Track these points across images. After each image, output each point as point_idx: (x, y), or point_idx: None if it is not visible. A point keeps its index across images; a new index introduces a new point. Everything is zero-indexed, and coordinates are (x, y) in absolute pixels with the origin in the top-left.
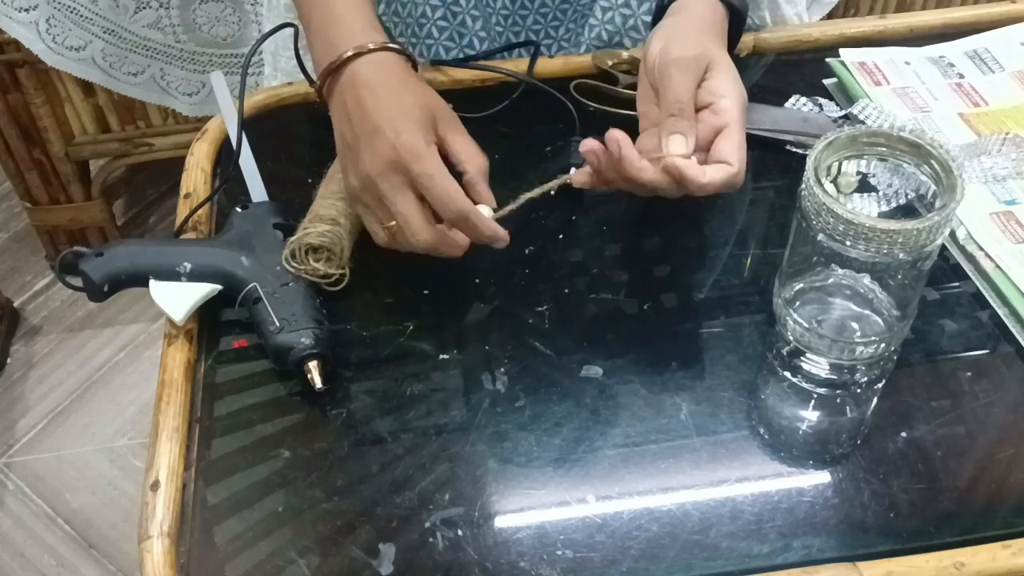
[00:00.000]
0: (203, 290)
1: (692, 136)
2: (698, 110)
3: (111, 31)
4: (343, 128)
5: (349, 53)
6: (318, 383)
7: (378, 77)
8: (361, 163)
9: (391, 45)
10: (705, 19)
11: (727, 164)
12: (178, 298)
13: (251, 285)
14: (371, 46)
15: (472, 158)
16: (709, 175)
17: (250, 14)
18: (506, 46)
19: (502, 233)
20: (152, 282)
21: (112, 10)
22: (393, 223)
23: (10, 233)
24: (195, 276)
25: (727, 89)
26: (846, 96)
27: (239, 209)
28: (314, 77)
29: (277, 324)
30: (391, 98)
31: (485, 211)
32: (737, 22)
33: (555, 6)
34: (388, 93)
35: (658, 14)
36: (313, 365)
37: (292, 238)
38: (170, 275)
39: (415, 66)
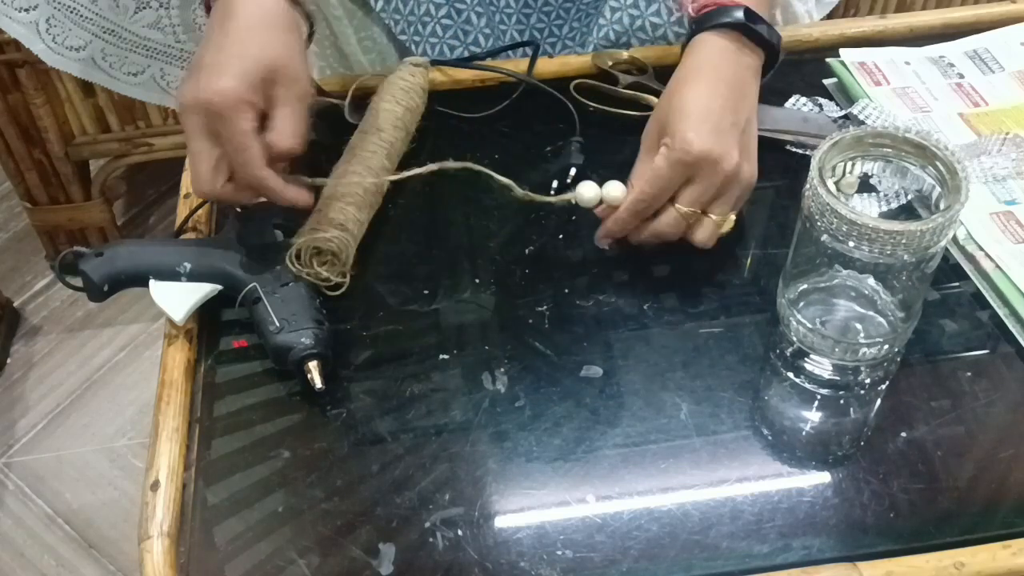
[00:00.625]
0: (203, 290)
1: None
2: None
3: (111, 31)
4: (199, 47)
5: None
6: (318, 383)
7: (243, 13)
8: (186, 85)
9: None
10: (701, 64)
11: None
12: (178, 298)
13: (251, 285)
14: None
15: (283, 138)
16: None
17: None
18: (508, 46)
19: (302, 200)
20: (152, 282)
21: (112, 10)
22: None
23: (10, 233)
24: (195, 276)
25: (666, 139)
26: (846, 96)
27: (239, 209)
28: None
29: (277, 324)
30: (239, 40)
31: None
32: (770, 55)
33: (559, 5)
34: (240, 34)
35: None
36: (313, 365)
37: (298, 238)
38: (170, 275)
39: (312, 27)
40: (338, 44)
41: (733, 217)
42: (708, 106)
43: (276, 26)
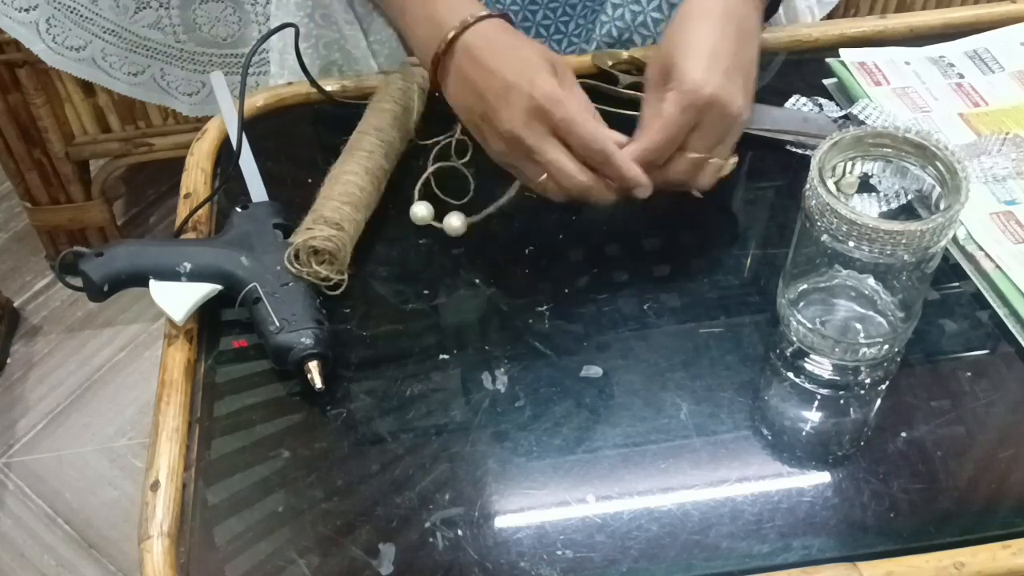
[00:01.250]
0: (203, 290)
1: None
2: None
3: (111, 31)
4: (470, 102)
5: (455, 28)
6: (318, 383)
7: (492, 40)
8: (500, 123)
9: (493, 12)
10: (698, 8)
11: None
12: (178, 298)
13: (251, 285)
14: (473, 17)
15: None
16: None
17: (250, 14)
18: None
19: (644, 179)
20: (152, 282)
21: (112, 10)
22: (545, 175)
23: (10, 233)
24: (195, 276)
25: (672, 83)
26: (846, 96)
27: (239, 209)
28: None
29: (277, 324)
30: (512, 54)
31: (455, 220)
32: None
33: (564, 1)
34: (507, 51)
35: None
36: (313, 365)
37: (295, 239)
38: (170, 275)
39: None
40: (347, 47)
41: (734, 160)
42: (717, 46)
43: (518, 34)
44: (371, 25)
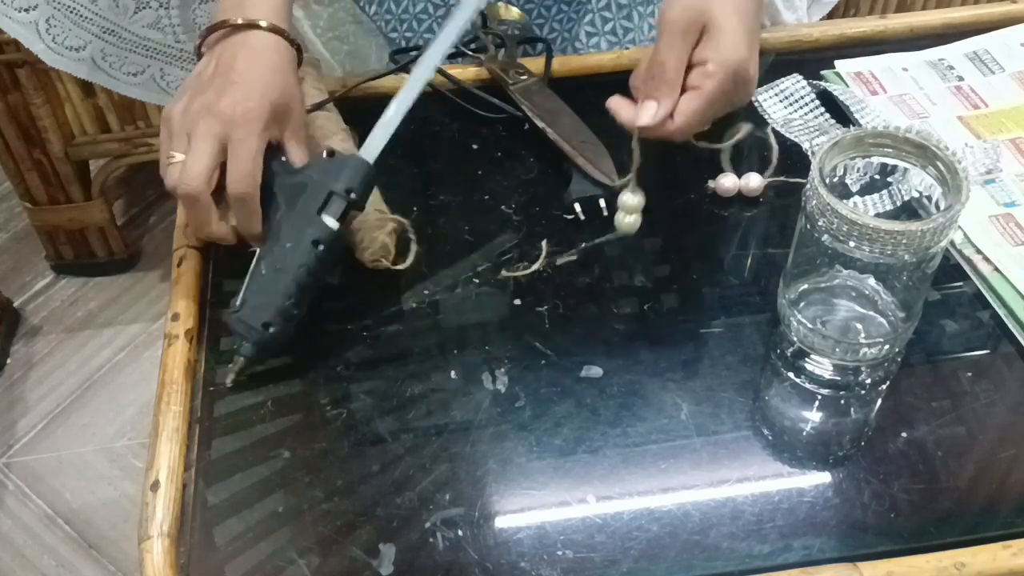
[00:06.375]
0: None
1: (668, 100)
2: (694, 67)
3: (111, 31)
4: (209, 68)
5: (254, 19)
6: (229, 379)
7: (264, 53)
8: (201, 98)
9: (290, 35)
10: None
11: (674, 113)
12: None
13: (256, 251)
14: (271, 24)
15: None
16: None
17: None
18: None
19: (257, 233)
20: None
21: (112, 10)
22: (179, 157)
23: (10, 233)
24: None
25: (714, 54)
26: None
27: (325, 154)
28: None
29: (238, 303)
30: (262, 77)
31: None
32: None
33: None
34: (263, 71)
35: None
36: (239, 362)
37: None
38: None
39: (300, 60)
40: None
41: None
42: (747, 10)
43: (286, 68)
44: (325, 23)
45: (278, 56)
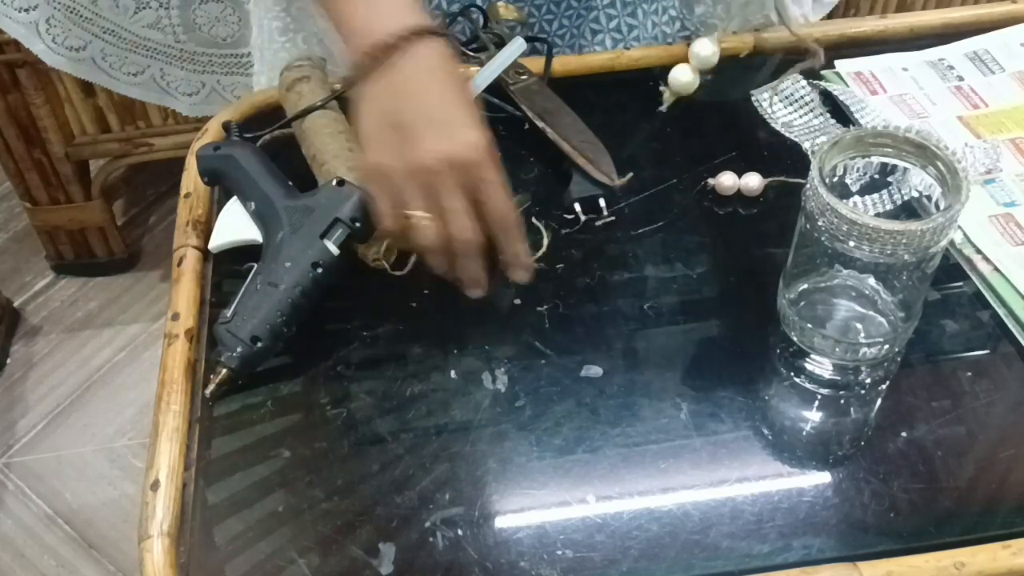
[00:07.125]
0: (245, 235)
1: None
2: None
3: (111, 31)
4: (397, 104)
5: (410, 29)
6: (208, 389)
7: (441, 65)
8: (419, 148)
9: (443, 31)
10: None
11: None
12: (229, 227)
13: (254, 265)
14: (427, 28)
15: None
16: None
17: (251, 14)
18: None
19: (529, 264)
20: (233, 200)
21: (112, 10)
22: (422, 215)
23: (10, 233)
24: (257, 216)
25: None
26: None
27: (335, 182)
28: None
29: (228, 314)
30: (457, 92)
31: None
32: None
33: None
34: (454, 86)
35: None
36: (221, 374)
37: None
38: (246, 202)
39: None
40: (325, 42)
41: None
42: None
43: (460, 75)
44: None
45: (454, 67)
